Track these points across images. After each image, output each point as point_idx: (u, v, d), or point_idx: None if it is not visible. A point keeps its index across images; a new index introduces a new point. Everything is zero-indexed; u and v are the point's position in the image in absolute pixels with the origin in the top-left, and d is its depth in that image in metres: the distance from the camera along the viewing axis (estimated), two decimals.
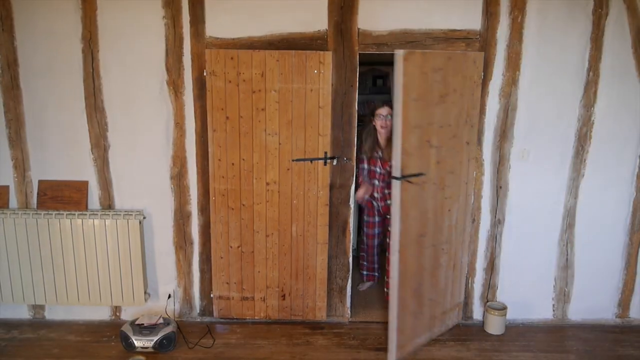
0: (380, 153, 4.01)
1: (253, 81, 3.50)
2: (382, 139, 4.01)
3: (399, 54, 2.99)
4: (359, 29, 3.58)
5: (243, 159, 3.64)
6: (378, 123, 3.95)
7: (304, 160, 3.62)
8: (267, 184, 3.68)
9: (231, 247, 3.82)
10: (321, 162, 3.63)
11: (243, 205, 3.72)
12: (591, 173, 3.79)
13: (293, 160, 3.62)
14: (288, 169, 3.65)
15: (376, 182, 4.07)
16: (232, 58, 3.47)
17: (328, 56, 3.46)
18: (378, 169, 4.04)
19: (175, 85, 3.66)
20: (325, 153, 3.61)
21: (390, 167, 3.46)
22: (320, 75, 3.48)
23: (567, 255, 3.92)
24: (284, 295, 3.91)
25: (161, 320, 3.74)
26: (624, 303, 4.02)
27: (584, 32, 3.57)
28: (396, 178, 3.10)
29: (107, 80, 3.66)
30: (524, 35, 3.58)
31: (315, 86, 3.50)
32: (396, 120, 3.03)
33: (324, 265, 3.86)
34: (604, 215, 3.87)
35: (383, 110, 3.91)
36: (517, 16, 3.55)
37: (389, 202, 4.01)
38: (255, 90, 3.51)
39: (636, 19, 3.54)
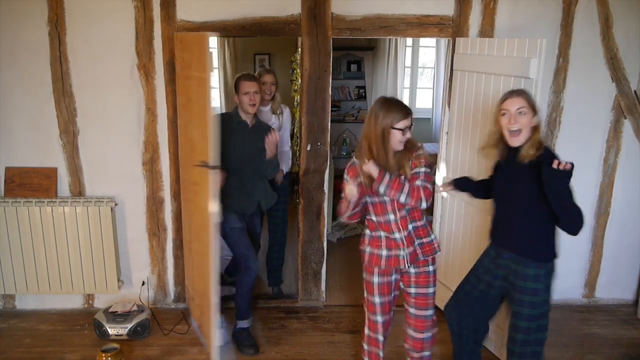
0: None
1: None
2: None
3: None
4: (332, 13, 3.56)
5: None
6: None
7: None
8: None
9: None
10: None
11: None
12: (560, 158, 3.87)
13: None
14: None
15: (391, 217, 2.69)
16: (181, 41, 3.30)
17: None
18: (387, 198, 2.67)
19: (146, 70, 3.59)
20: None
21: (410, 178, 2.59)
22: None
23: None
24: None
25: (135, 308, 3.71)
26: (590, 284, 4.15)
27: (555, 19, 3.62)
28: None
29: (76, 65, 3.57)
30: (495, 21, 3.61)
31: None
32: None
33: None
34: None
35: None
36: (489, 2, 3.58)
37: (425, 239, 2.73)
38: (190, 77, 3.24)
39: (605, 7, 3.60)
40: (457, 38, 3.58)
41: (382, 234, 2.71)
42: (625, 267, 4.11)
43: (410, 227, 2.68)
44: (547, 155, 2.45)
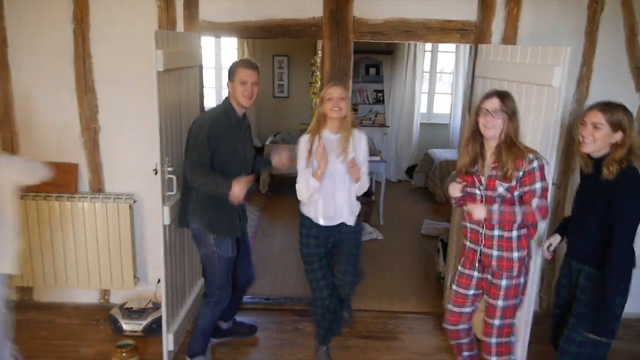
0: (478, 167, 2.69)
1: None
2: (486, 144, 2.66)
3: None
4: (354, 16, 3.56)
5: None
6: (481, 121, 2.60)
7: None
8: None
9: None
10: None
11: None
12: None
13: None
14: None
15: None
16: None
17: None
18: (477, 191, 2.66)
19: None
20: None
21: (505, 186, 2.56)
22: None
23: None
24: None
25: (150, 305, 3.74)
26: None
27: (579, 27, 3.58)
28: None
29: (98, 62, 3.62)
30: (518, 28, 3.58)
31: None
32: None
33: None
34: None
35: (488, 103, 2.58)
36: (512, 8, 3.55)
37: (505, 253, 2.64)
38: None
39: (631, 15, 3.55)
40: (479, 45, 3.56)
41: (468, 224, 2.74)
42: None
43: (495, 232, 2.64)
44: (625, 177, 2.41)
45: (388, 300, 4.26)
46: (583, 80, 3.67)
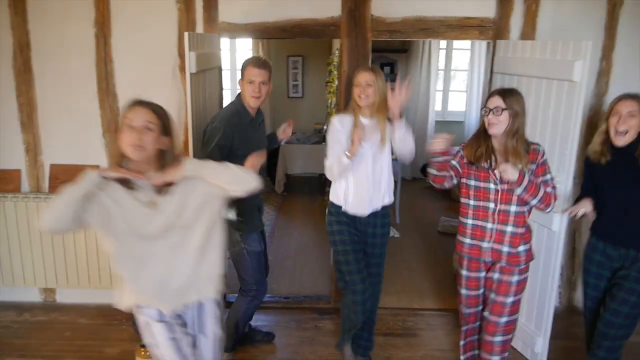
0: (492, 163, 2.65)
1: None
2: (496, 141, 2.66)
3: None
4: (372, 15, 3.57)
5: None
6: (486, 120, 2.61)
7: None
8: None
9: None
10: None
11: None
12: None
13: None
14: None
15: (491, 205, 2.67)
16: None
17: None
18: (492, 185, 2.64)
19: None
20: None
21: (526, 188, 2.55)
22: None
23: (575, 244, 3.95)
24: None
25: None
26: None
27: (598, 21, 3.56)
28: None
29: (119, 65, 3.67)
30: (537, 24, 3.57)
31: None
32: None
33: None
34: None
35: (491, 102, 2.59)
36: (531, 4, 3.54)
37: (513, 250, 2.66)
38: None
39: None
40: (497, 40, 3.55)
41: (470, 221, 2.72)
42: None
43: (509, 227, 2.64)
44: None
45: (407, 298, 4.26)
46: (603, 75, 3.65)
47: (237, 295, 3.32)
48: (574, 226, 3.88)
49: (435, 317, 3.97)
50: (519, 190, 2.52)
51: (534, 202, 2.55)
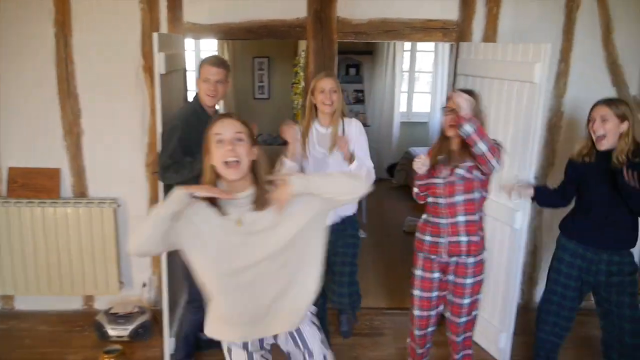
0: (446, 157, 2.68)
1: None
2: (454, 143, 2.67)
3: None
4: (338, 16, 3.58)
5: None
6: (447, 120, 2.63)
7: None
8: None
9: None
10: None
11: None
12: (560, 163, 3.90)
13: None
14: None
15: (441, 200, 2.68)
16: None
17: None
18: (441, 180, 2.66)
19: (151, 72, 3.59)
20: None
21: (464, 167, 2.60)
22: None
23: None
24: None
25: (136, 309, 3.70)
26: None
27: (557, 24, 3.67)
28: None
29: (81, 66, 3.59)
30: (498, 26, 3.65)
31: None
32: None
33: None
34: None
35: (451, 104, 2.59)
36: (492, 7, 3.62)
37: (472, 237, 2.67)
38: None
39: (606, 12, 3.64)
40: (460, 43, 3.62)
41: (428, 217, 2.74)
42: None
43: (460, 217, 2.65)
44: (633, 161, 2.62)
45: (373, 298, 4.28)
46: (561, 77, 3.75)
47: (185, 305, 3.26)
48: (535, 224, 3.98)
49: (402, 316, 3.98)
50: (468, 127, 2.41)
51: (483, 147, 2.43)
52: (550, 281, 3.00)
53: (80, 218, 3.71)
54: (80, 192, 3.79)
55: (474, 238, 2.66)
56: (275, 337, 2.12)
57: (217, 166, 1.85)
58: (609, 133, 2.64)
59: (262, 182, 1.89)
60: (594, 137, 2.71)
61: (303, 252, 1.99)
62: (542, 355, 3.09)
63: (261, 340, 2.10)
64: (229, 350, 2.11)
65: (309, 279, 2.05)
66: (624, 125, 2.64)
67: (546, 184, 3.12)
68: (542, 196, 3.07)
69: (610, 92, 3.78)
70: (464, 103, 2.40)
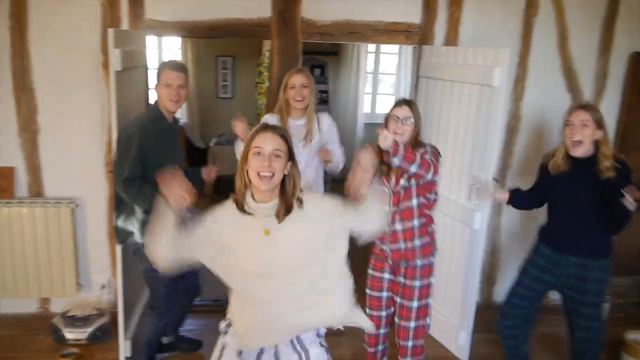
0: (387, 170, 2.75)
1: None
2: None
3: None
4: (302, 17, 3.59)
5: None
6: (391, 127, 2.69)
7: None
8: None
9: None
10: None
11: None
12: (517, 165, 4.01)
13: None
14: None
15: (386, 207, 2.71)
16: None
17: None
18: (387, 190, 2.74)
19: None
20: None
21: (406, 177, 2.67)
22: None
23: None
24: None
25: (95, 311, 3.62)
26: None
27: (515, 30, 3.77)
28: None
29: (38, 61, 3.48)
30: (460, 31, 3.73)
31: None
32: None
33: None
34: None
35: (400, 111, 2.69)
36: (454, 12, 3.69)
37: (402, 245, 2.73)
38: None
39: (562, 19, 3.77)
40: (423, 46, 3.67)
41: None
42: None
43: (398, 225, 2.70)
44: (622, 172, 2.62)
45: None
46: (519, 81, 3.86)
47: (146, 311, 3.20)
48: (494, 225, 4.08)
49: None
50: (396, 161, 2.49)
51: (413, 168, 2.51)
52: (517, 282, 3.02)
53: (36, 218, 3.60)
54: (37, 192, 3.68)
55: (411, 244, 2.71)
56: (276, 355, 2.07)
57: (250, 174, 1.91)
58: (586, 139, 2.61)
59: (289, 195, 1.94)
60: (568, 142, 2.67)
61: (325, 271, 2.02)
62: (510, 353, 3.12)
63: (259, 354, 2.06)
64: (223, 347, 2.11)
65: (331, 303, 2.05)
66: (599, 132, 2.62)
67: (519, 187, 3.15)
68: (518, 199, 3.09)
69: (566, 98, 3.92)
70: (368, 162, 2.23)
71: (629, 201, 2.47)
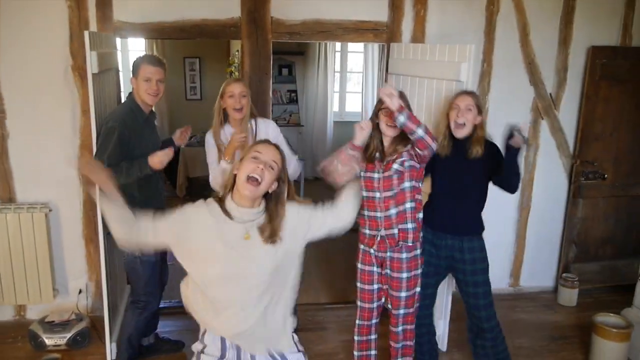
0: (379, 154, 2.79)
1: None
2: (386, 140, 2.79)
3: None
4: (272, 17, 3.64)
5: None
6: (383, 118, 2.72)
7: None
8: None
9: None
10: None
11: None
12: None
13: None
14: None
15: (377, 194, 2.78)
16: None
17: None
18: (376, 175, 2.77)
19: (81, 71, 3.49)
20: None
21: (399, 162, 2.72)
22: None
23: None
24: None
25: (73, 317, 3.59)
26: (515, 273, 4.47)
27: (479, 27, 3.90)
28: None
29: (5, 64, 3.44)
30: (426, 28, 3.84)
31: None
32: None
33: None
34: (497, 195, 4.22)
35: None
36: (419, 10, 3.79)
37: (395, 230, 2.77)
38: None
39: (523, 16, 3.92)
40: (392, 43, 3.77)
41: (366, 212, 2.80)
42: (545, 257, 4.46)
43: (392, 210, 2.74)
44: (494, 146, 2.89)
45: (314, 293, 4.38)
46: (485, 76, 3.99)
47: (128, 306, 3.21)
48: None
49: (343, 310, 4.11)
50: (402, 118, 2.51)
51: (420, 131, 2.54)
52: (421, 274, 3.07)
53: (8, 224, 3.54)
54: (8, 198, 3.63)
55: (403, 226, 2.76)
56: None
57: (239, 177, 1.96)
58: (469, 122, 2.79)
59: (274, 213, 2.02)
60: (452, 125, 2.83)
61: (285, 279, 2.10)
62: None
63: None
64: (198, 354, 2.12)
65: (286, 308, 2.14)
66: (479, 117, 2.83)
67: None
68: None
69: (529, 91, 4.07)
70: (388, 98, 2.50)
71: (517, 139, 2.69)
